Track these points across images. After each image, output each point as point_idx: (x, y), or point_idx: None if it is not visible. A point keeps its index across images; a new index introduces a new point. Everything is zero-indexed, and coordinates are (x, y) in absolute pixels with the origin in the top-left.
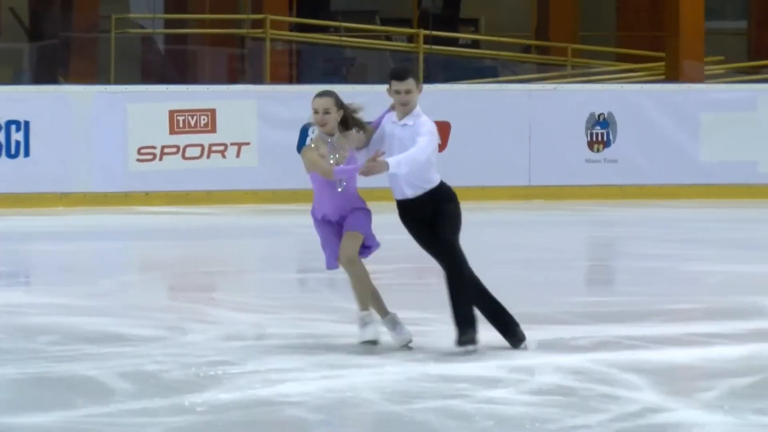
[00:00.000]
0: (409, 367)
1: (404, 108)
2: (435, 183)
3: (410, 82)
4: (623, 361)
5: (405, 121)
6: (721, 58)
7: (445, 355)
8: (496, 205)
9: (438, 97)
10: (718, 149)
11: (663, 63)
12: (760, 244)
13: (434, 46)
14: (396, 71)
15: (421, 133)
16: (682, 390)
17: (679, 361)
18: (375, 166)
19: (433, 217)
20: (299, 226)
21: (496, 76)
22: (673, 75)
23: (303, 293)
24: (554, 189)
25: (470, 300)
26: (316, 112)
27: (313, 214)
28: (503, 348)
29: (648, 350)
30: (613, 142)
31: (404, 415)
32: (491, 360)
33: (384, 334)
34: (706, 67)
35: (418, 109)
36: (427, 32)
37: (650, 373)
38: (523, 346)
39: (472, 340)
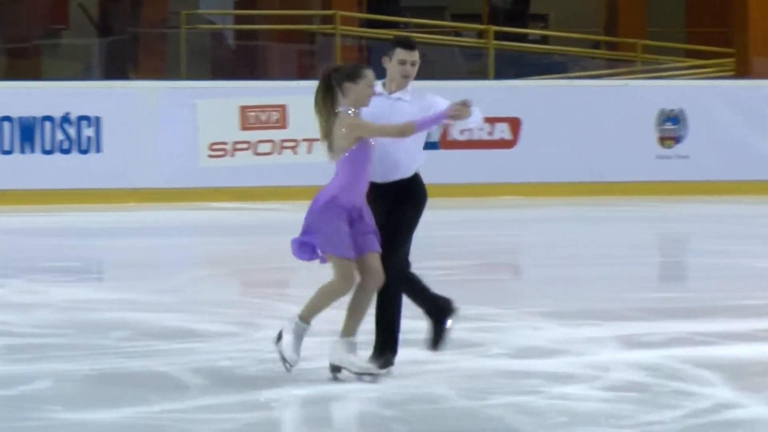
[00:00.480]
0: (483, 363)
1: (405, 80)
2: (404, 175)
3: (417, 54)
4: (695, 357)
5: (399, 95)
6: None
7: (518, 351)
8: (566, 201)
9: (508, 93)
10: None
11: (732, 59)
12: None
13: (504, 42)
14: (405, 40)
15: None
16: (755, 386)
17: (750, 357)
18: (464, 111)
19: (388, 215)
20: None
21: (566, 71)
22: (742, 71)
23: None
24: (624, 185)
25: (395, 322)
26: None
27: (337, 202)
28: (576, 343)
29: (720, 346)
30: (684, 138)
31: (479, 411)
32: (564, 356)
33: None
34: None
35: (412, 85)
36: (497, 28)
37: (722, 369)
38: (384, 371)
39: (388, 363)
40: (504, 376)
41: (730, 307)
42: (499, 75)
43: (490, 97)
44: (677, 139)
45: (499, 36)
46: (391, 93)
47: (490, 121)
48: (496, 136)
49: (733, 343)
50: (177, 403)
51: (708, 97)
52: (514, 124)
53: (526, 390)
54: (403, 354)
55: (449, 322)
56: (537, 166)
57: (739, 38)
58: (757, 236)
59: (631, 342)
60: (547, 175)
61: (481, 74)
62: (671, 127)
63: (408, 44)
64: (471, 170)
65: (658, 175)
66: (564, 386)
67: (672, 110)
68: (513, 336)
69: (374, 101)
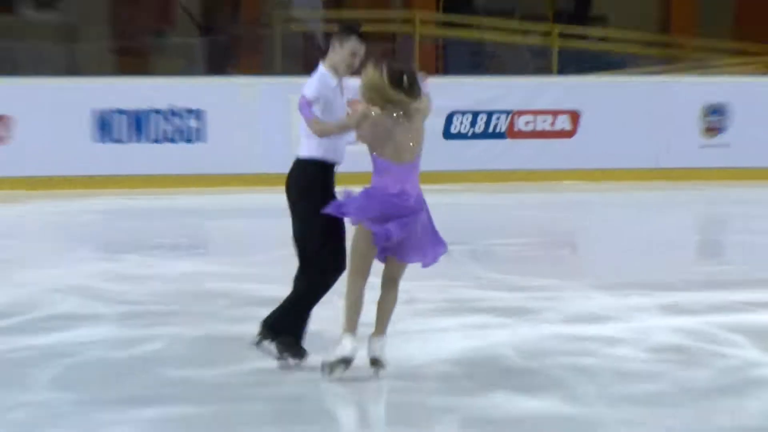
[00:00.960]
0: (542, 328)
1: (348, 72)
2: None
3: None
4: (728, 323)
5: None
6: None
7: (573, 317)
8: (620, 185)
9: (569, 88)
10: None
11: None
12: None
13: (566, 41)
14: (360, 30)
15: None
16: None
17: None
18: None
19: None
20: (445, 204)
21: (624, 68)
22: None
23: (448, 264)
24: (677, 171)
25: (301, 326)
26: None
27: (385, 189)
28: (624, 311)
29: (750, 314)
30: (728, 128)
31: (539, 370)
32: (613, 322)
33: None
34: None
35: None
36: (561, 28)
37: (752, 334)
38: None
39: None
40: (560, 339)
41: (762, 280)
42: (562, 71)
43: (553, 91)
44: (720, 130)
45: (563, 35)
46: (335, 84)
47: (554, 113)
48: (558, 126)
49: (763, 311)
50: (271, 363)
51: (750, 92)
52: (574, 116)
53: (579, 352)
54: (471, 319)
55: (273, 348)
56: (594, 154)
57: None
58: None
59: (676, 309)
60: (603, 162)
61: (545, 70)
62: (717, 118)
63: (362, 36)
64: (535, 158)
65: (705, 163)
66: (612, 348)
67: (717, 103)
68: (568, 304)
69: (329, 94)
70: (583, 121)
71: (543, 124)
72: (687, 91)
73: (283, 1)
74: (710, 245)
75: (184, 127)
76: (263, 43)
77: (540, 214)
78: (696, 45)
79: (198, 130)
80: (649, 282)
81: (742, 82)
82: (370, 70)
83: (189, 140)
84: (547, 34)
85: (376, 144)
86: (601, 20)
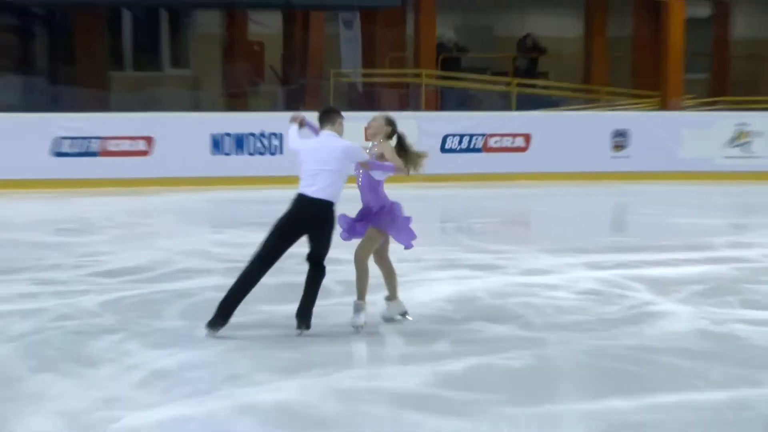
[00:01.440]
0: (505, 278)
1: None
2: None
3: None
4: (631, 275)
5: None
6: (693, 95)
7: (526, 271)
8: (563, 183)
9: (524, 119)
10: (693, 150)
11: (658, 98)
12: (713, 206)
13: (522, 88)
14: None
15: None
16: (665, 292)
17: (664, 275)
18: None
19: None
20: (441, 197)
21: (560, 105)
22: (664, 106)
23: (443, 235)
24: (596, 174)
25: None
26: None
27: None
28: (561, 267)
29: (646, 269)
30: (629, 146)
31: (502, 307)
32: (553, 275)
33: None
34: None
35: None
36: (518, 80)
37: (647, 282)
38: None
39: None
40: (517, 286)
41: (652, 246)
42: (519, 109)
43: (513, 121)
44: (624, 147)
45: (519, 85)
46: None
47: (513, 135)
48: (516, 144)
49: (654, 267)
50: (326, 301)
51: (644, 121)
52: (527, 137)
53: (530, 294)
54: (457, 272)
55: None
56: (541, 162)
57: (662, 86)
58: (680, 204)
59: (593, 266)
60: (547, 168)
61: (508, 108)
62: (621, 139)
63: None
64: (502, 165)
65: (614, 168)
66: (552, 292)
67: (621, 129)
68: (523, 262)
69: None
70: (534, 141)
71: (507, 143)
72: (602, 121)
73: (335, 62)
74: (618, 223)
75: (270, 145)
76: (321, 89)
77: (504, 202)
78: (608, 91)
79: (278, 146)
80: (577, 247)
81: (638, 115)
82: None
83: (273, 153)
84: (509, 84)
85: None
86: (544, 75)
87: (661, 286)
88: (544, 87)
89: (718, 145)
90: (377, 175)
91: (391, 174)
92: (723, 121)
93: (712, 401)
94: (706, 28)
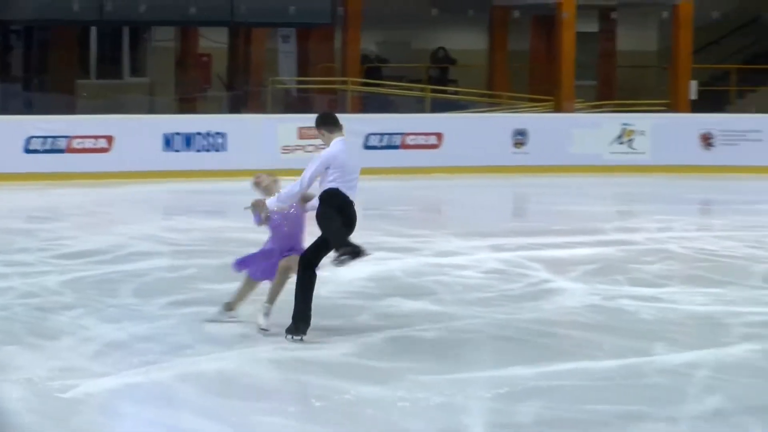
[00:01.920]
0: (419, 259)
1: None
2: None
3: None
4: (530, 256)
5: None
6: (583, 99)
7: (439, 253)
8: (473, 175)
9: (437, 120)
10: (583, 146)
11: (553, 102)
12: (602, 196)
13: (435, 94)
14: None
15: None
16: (560, 271)
17: (559, 257)
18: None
19: None
20: (366, 189)
21: (467, 109)
22: (557, 108)
23: (366, 221)
24: (498, 168)
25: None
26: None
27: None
28: (468, 248)
29: (544, 251)
30: (527, 143)
31: (417, 284)
32: (462, 256)
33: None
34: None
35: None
36: (432, 87)
37: (544, 262)
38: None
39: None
40: (431, 266)
41: (548, 230)
42: (433, 111)
43: (427, 122)
44: (523, 144)
45: (433, 91)
46: None
47: (426, 134)
48: (430, 141)
49: (551, 249)
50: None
51: (538, 122)
52: (440, 136)
53: (441, 273)
54: (378, 254)
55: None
56: (451, 158)
57: (556, 91)
58: (573, 194)
59: (497, 248)
60: (456, 162)
61: (423, 111)
62: (521, 137)
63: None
64: (417, 160)
65: (515, 162)
66: (461, 271)
67: (521, 129)
68: (435, 245)
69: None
70: (445, 139)
71: (421, 141)
72: (504, 121)
73: (274, 72)
74: (518, 211)
75: (215, 143)
76: (261, 95)
77: (420, 193)
78: (508, 96)
79: (223, 144)
80: (483, 232)
81: (535, 117)
82: None
83: (218, 150)
84: (423, 90)
85: None
86: (454, 82)
87: (557, 266)
88: (454, 93)
89: (605, 143)
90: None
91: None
92: (609, 122)
93: (604, 368)
94: (594, 41)
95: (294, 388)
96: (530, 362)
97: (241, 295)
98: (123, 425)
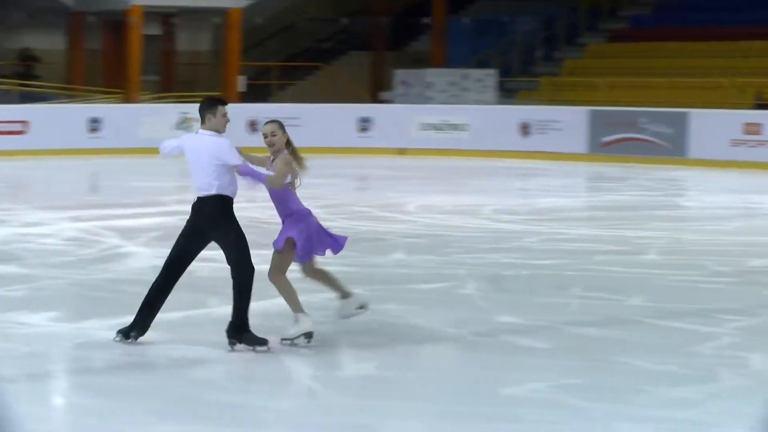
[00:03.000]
0: (11, 229)
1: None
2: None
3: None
4: (104, 225)
5: None
6: (149, 92)
7: (24, 224)
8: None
9: (23, 111)
10: (150, 131)
11: (124, 94)
12: (169, 174)
13: (22, 87)
14: (223, 99)
15: None
16: (129, 237)
17: (128, 225)
18: None
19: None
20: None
21: (50, 100)
22: (127, 99)
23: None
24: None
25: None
26: (265, 136)
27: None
28: (53, 220)
29: (115, 221)
30: (103, 129)
31: (8, 251)
32: (45, 226)
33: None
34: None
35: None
36: (19, 82)
37: (116, 230)
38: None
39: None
40: (19, 235)
41: (121, 203)
42: (21, 102)
43: (15, 112)
44: (98, 130)
45: (20, 85)
46: None
47: (14, 122)
48: (16, 129)
49: (121, 219)
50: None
51: (113, 111)
52: (26, 123)
53: (28, 241)
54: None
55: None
56: (38, 142)
57: (126, 85)
58: (141, 173)
59: (75, 219)
60: (44, 145)
61: (13, 102)
62: (95, 124)
63: (225, 102)
64: (6, 144)
65: (90, 146)
66: (44, 239)
67: (96, 117)
68: (22, 217)
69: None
70: (31, 126)
71: (10, 128)
72: (81, 111)
73: None
74: (93, 187)
75: None
76: None
77: (7, 172)
78: (85, 89)
79: None
80: (63, 205)
81: (109, 106)
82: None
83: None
84: (12, 84)
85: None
86: (38, 77)
87: (126, 234)
88: (39, 86)
89: (167, 128)
90: (247, 183)
91: (260, 185)
92: (171, 111)
93: (169, 319)
94: (157, 42)
95: None
96: (104, 316)
97: (330, 282)
98: None
